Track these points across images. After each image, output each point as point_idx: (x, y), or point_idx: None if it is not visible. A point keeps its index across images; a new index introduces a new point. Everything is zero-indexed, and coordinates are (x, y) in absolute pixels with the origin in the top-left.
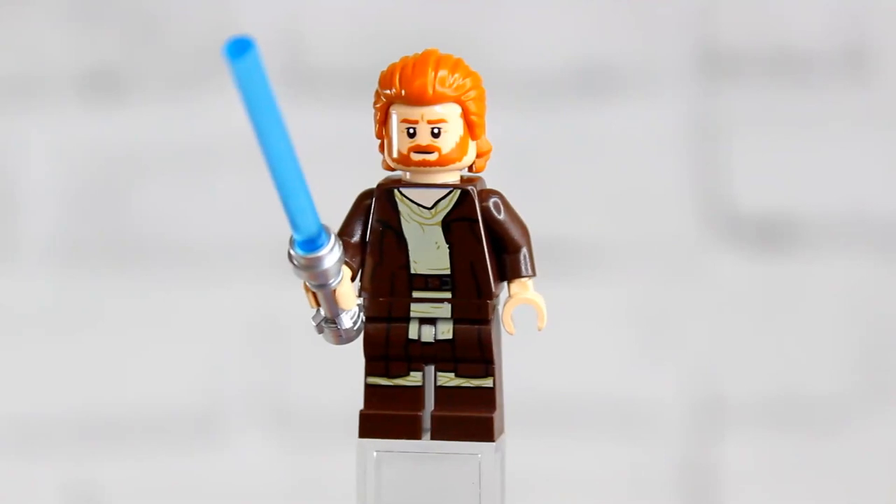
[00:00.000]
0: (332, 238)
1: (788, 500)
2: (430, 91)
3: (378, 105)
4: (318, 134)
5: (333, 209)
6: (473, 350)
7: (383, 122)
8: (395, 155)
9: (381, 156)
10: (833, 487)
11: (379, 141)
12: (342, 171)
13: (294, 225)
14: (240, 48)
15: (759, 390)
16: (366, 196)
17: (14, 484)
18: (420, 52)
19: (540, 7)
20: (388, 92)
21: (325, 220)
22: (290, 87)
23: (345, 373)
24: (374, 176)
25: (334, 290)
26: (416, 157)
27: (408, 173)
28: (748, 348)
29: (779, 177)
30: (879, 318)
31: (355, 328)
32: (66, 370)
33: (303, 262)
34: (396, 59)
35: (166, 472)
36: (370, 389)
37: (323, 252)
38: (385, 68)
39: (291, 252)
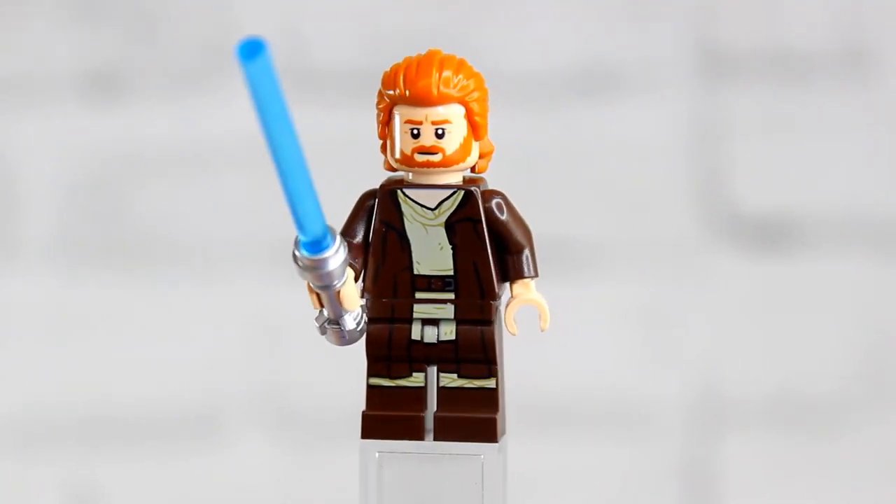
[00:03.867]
0: (338, 239)
1: (788, 500)
2: (435, 92)
3: (381, 106)
4: (318, 134)
5: (333, 209)
6: (476, 351)
7: (386, 122)
8: (397, 155)
9: (381, 156)
10: (833, 487)
11: (381, 141)
12: (342, 172)
13: (300, 226)
14: (252, 50)
15: (759, 390)
16: (368, 197)
17: (14, 484)
18: (423, 53)
19: (540, 7)
20: (391, 92)
21: (326, 221)
22: (290, 88)
23: (345, 373)
24: (374, 176)
25: (338, 292)
26: (420, 157)
27: (410, 174)
28: (749, 348)
29: (779, 177)
30: (879, 317)
31: (358, 329)
32: (66, 370)
33: (308, 263)
34: (397, 60)
35: (166, 472)
36: (372, 390)
37: (328, 253)
38: (388, 69)
39: (296, 253)
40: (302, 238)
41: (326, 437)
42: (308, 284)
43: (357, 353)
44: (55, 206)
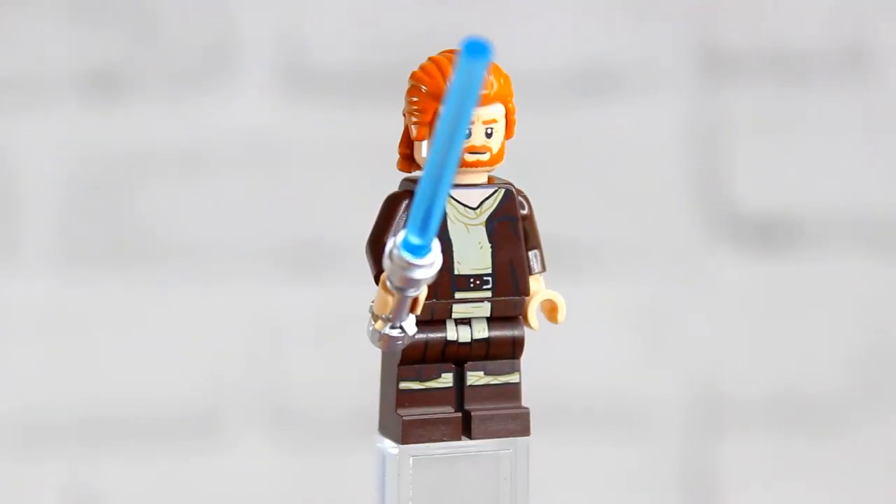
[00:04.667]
0: (438, 249)
1: (788, 500)
2: (490, 92)
3: (422, 105)
4: (317, 134)
5: (333, 208)
6: (507, 347)
7: (430, 122)
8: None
9: (384, 156)
10: (833, 487)
11: (400, 140)
12: (341, 171)
13: (424, 229)
14: (478, 50)
15: (759, 390)
16: (400, 199)
17: (14, 484)
18: (447, 53)
19: (540, 8)
20: (439, 92)
21: (329, 221)
22: (290, 88)
23: (345, 372)
24: (373, 176)
25: (415, 297)
26: (470, 157)
27: None
28: (749, 348)
29: (779, 177)
30: (879, 317)
31: (416, 334)
32: (65, 370)
33: (405, 264)
34: (397, 60)
35: (166, 472)
36: (403, 394)
37: (428, 260)
38: (417, 68)
39: (395, 252)
40: (418, 241)
41: (326, 437)
42: (385, 287)
43: (357, 352)
44: (55, 206)
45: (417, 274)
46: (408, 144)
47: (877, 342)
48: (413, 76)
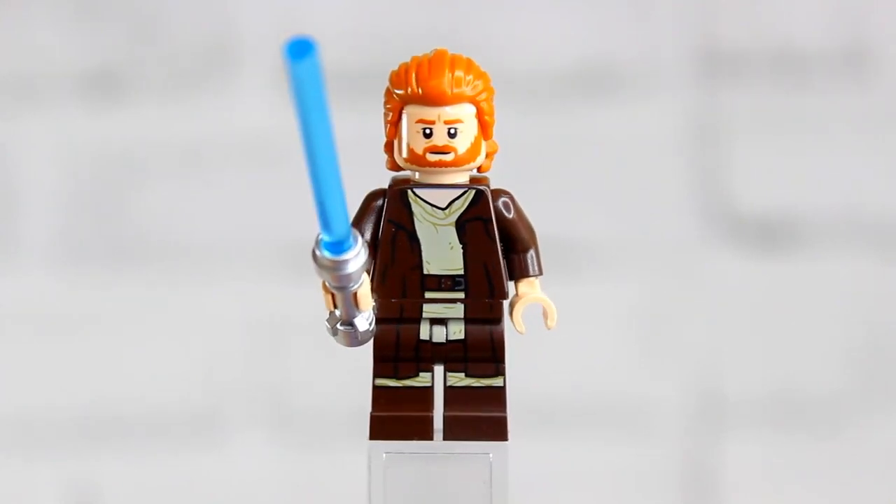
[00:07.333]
0: (360, 241)
1: (788, 500)
2: (449, 91)
3: (390, 105)
4: None
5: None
6: (485, 350)
7: (395, 122)
8: (405, 154)
9: (382, 156)
10: (833, 487)
11: (385, 141)
12: (342, 172)
13: (327, 227)
14: (301, 49)
15: (759, 390)
16: (375, 197)
17: (14, 484)
18: (431, 52)
19: (540, 8)
20: (402, 92)
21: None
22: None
23: (345, 372)
24: (373, 176)
25: (355, 293)
26: (432, 157)
27: (417, 174)
28: (748, 348)
29: (779, 177)
30: (879, 317)
31: (370, 330)
32: (66, 370)
33: (329, 263)
34: (396, 60)
35: (166, 472)
36: (378, 391)
37: (350, 255)
38: (395, 67)
39: (317, 252)
40: (325, 238)
41: (326, 436)
42: (323, 285)
43: (357, 352)
44: (55, 205)
45: (345, 269)
46: (390, 144)
47: (877, 342)
48: (389, 77)
